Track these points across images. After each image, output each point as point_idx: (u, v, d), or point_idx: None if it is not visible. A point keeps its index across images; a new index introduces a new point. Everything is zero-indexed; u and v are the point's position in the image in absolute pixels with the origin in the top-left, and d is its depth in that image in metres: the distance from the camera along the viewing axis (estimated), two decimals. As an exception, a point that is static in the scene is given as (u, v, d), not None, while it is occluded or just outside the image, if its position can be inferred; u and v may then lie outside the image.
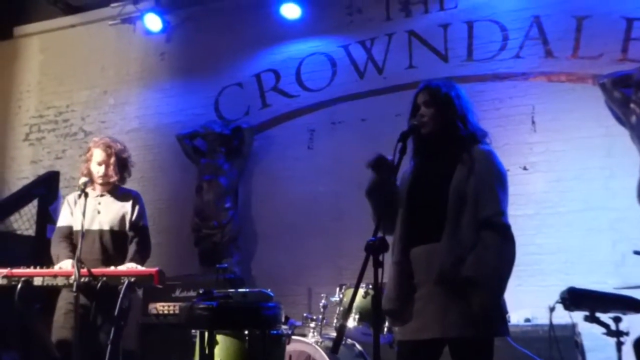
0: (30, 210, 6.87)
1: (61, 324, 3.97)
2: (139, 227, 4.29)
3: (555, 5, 5.83)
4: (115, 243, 4.19)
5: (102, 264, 4.01)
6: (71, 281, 3.61)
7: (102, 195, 4.27)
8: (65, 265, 3.91)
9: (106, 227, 4.19)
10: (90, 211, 4.02)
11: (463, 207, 2.60)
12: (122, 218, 4.25)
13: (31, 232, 6.76)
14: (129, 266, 3.98)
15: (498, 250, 2.55)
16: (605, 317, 3.66)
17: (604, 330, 3.67)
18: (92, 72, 7.67)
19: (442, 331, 2.55)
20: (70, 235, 4.21)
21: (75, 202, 4.25)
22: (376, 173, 2.78)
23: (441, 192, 2.65)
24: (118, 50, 7.61)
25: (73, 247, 4.14)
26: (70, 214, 4.26)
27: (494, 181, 2.67)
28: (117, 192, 4.33)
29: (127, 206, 4.29)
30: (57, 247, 4.16)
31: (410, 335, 2.67)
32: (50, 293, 4.10)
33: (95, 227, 4.17)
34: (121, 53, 7.59)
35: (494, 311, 2.56)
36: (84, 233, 3.83)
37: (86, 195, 3.88)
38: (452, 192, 2.63)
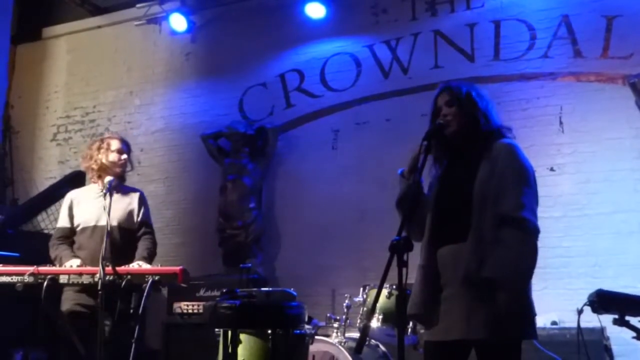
0: (57, 209, 6.91)
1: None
2: (147, 223, 4.31)
3: (585, 4, 5.75)
4: (123, 239, 4.17)
5: (111, 260, 3.95)
6: (96, 279, 3.62)
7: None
8: (74, 263, 3.92)
9: (114, 223, 4.14)
10: (96, 208, 4.04)
11: (487, 205, 2.57)
12: (130, 214, 4.26)
13: (58, 231, 6.82)
14: (140, 263, 3.95)
15: (518, 248, 2.50)
16: (635, 320, 3.57)
17: (633, 334, 3.58)
18: (118, 73, 7.74)
19: (467, 332, 2.51)
20: (70, 236, 4.21)
21: (80, 201, 4.25)
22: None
23: (466, 192, 2.62)
24: (144, 51, 7.67)
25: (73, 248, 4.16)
26: (69, 215, 4.25)
27: (515, 174, 2.61)
28: (122, 189, 4.33)
29: (133, 203, 4.30)
30: (57, 249, 4.15)
31: (437, 336, 2.64)
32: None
33: (103, 223, 4.08)
34: (147, 53, 7.64)
35: (521, 313, 2.51)
36: (109, 231, 3.82)
37: (111, 194, 3.88)
38: (476, 190, 2.60)
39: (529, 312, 2.56)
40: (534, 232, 2.55)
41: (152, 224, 4.41)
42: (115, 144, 4.30)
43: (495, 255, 2.49)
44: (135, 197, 4.33)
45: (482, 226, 2.55)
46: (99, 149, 4.29)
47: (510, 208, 2.54)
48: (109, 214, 3.82)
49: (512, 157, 2.64)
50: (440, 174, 2.83)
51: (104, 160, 4.25)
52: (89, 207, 4.18)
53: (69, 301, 4.03)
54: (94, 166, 4.24)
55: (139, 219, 4.28)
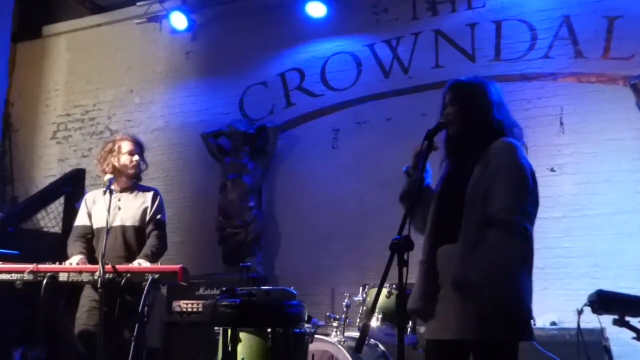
0: (57, 207, 6.92)
1: (84, 322, 3.98)
2: (157, 221, 4.28)
3: (586, 5, 5.75)
4: (138, 239, 4.19)
5: (126, 260, 4.01)
6: (96, 278, 3.61)
7: (121, 192, 4.27)
8: (74, 261, 3.93)
9: (129, 224, 4.20)
10: (111, 208, 4.01)
11: (476, 206, 2.54)
12: (144, 213, 4.26)
13: (58, 229, 6.81)
14: (140, 262, 3.94)
15: (502, 251, 2.46)
16: (635, 321, 3.56)
17: (634, 335, 3.57)
18: (118, 71, 7.74)
19: (460, 332, 2.50)
20: (87, 234, 4.22)
21: (95, 202, 4.27)
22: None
23: (461, 192, 2.60)
24: (144, 50, 7.66)
25: (89, 247, 4.17)
26: (87, 214, 4.27)
27: (507, 174, 2.55)
28: (137, 189, 4.35)
29: (147, 201, 4.29)
30: (72, 246, 4.18)
31: (434, 334, 2.64)
32: (76, 290, 4.12)
33: (118, 223, 4.17)
34: (147, 52, 7.64)
35: (510, 314, 2.47)
36: (109, 230, 3.83)
37: (111, 192, 3.88)
38: (468, 191, 2.58)
39: (521, 314, 2.51)
40: (521, 234, 2.49)
41: (165, 220, 4.37)
42: (126, 147, 4.29)
43: (478, 259, 2.47)
44: (149, 196, 4.32)
45: (470, 227, 2.53)
46: (110, 152, 4.29)
47: (497, 209, 2.49)
48: (109, 212, 3.83)
49: (506, 156, 2.59)
50: (445, 172, 2.82)
51: (116, 164, 4.25)
52: (103, 209, 4.11)
53: (86, 298, 4.05)
54: (107, 169, 4.24)
55: (149, 217, 4.27)
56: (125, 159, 4.26)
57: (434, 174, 2.83)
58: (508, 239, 2.47)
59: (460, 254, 2.52)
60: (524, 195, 2.54)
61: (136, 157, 4.29)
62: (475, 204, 2.54)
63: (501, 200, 2.50)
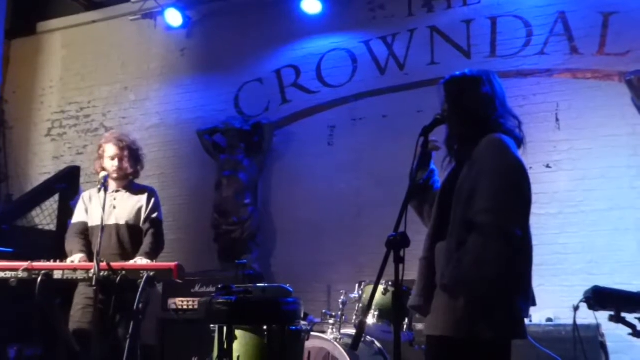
0: (52, 205, 6.91)
1: (78, 319, 3.98)
2: (153, 219, 4.29)
3: (581, 1, 5.76)
4: (132, 237, 4.21)
5: (120, 258, 4.02)
6: (90, 275, 3.60)
7: (117, 191, 4.30)
8: (76, 259, 3.92)
9: (122, 222, 4.21)
10: (106, 207, 3.99)
11: (459, 205, 2.50)
12: (138, 212, 4.27)
13: (52, 226, 6.80)
14: (136, 261, 3.94)
15: (478, 254, 2.37)
16: (631, 317, 3.56)
17: (629, 331, 3.57)
18: (113, 68, 7.71)
19: (442, 329, 2.48)
20: (84, 231, 4.23)
21: (91, 199, 4.29)
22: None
23: (450, 191, 2.58)
24: (139, 46, 7.64)
25: (87, 243, 4.17)
26: (85, 210, 4.29)
27: (491, 173, 2.46)
28: (133, 187, 4.36)
29: (142, 200, 4.30)
30: (70, 243, 4.18)
31: (428, 330, 2.63)
32: (71, 287, 4.12)
33: (112, 221, 4.19)
34: (142, 49, 7.62)
35: (490, 314, 2.41)
36: (103, 227, 3.82)
37: (106, 189, 3.88)
38: (456, 190, 2.55)
39: (495, 313, 2.42)
40: (501, 235, 2.38)
41: (161, 219, 4.39)
42: (109, 151, 4.28)
43: (458, 260, 2.42)
44: (144, 195, 4.34)
45: (455, 227, 2.49)
46: (98, 155, 4.32)
47: (477, 211, 2.42)
48: (103, 209, 3.83)
49: (491, 153, 2.51)
50: (448, 170, 2.80)
51: (103, 165, 4.27)
52: (98, 207, 4.11)
53: (80, 295, 4.05)
54: (99, 169, 4.26)
55: (145, 216, 4.27)
56: (107, 163, 4.27)
57: (440, 172, 2.82)
58: (485, 242, 2.39)
59: (446, 253, 2.50)
60: (507, 193, 2.45)
61: (115, 162, 4.26)
62: (459, 203, 2.50)
63: (482, 200, 2.43)
